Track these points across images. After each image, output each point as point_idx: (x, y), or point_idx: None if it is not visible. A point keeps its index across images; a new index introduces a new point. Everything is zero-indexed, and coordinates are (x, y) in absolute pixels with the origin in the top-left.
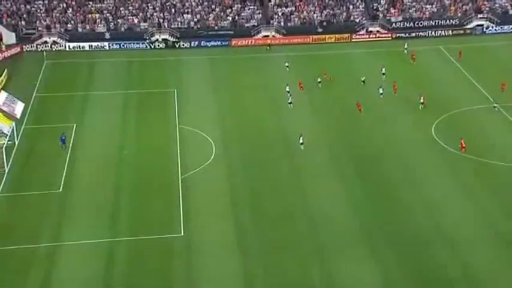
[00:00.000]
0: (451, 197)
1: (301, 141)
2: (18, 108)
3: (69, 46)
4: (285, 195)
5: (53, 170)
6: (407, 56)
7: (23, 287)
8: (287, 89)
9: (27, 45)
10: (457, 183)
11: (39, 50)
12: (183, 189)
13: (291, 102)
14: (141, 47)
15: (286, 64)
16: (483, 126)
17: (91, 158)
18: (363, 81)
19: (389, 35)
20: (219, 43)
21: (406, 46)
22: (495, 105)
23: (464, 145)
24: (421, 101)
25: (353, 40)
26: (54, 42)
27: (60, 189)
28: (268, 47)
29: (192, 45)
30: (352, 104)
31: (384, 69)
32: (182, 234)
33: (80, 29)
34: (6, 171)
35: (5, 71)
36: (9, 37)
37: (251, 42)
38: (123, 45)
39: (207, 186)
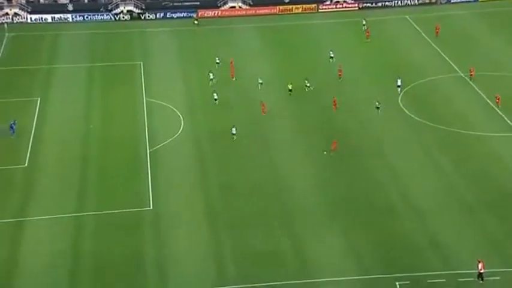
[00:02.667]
0: (417, 167)
1: (233, 131)
2: None
3: (31, 18)
4: (253, 168)
5: (18, 144)
6: (364, 32)
7: None
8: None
9: None
10: (423, 152)
11: (0, 22)
12: (151, 162)
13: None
14: (106, 19)
15: (217, 60)
16: (449, 96)
17: (57, 133)
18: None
19: (356, 5)
20: (185, 14)
21: (364, 23)
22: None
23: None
24: (398, 83)
25: (320, 11)
26: (16, 14)
27: (26, 164)
28: (195, 21)
29: (158, 16)
30: (318, 76)
31: (331, 53)
32: (151, 207)
33: (42, 0)
34: None
35: None
36: None
37: (218, 13)
38: (86, 17)
39: (175, 160)
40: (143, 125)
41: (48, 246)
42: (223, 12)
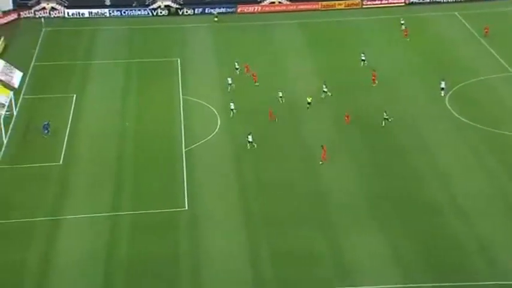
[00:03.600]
0: (464, 168)
1: (250, 139)
2: (16, 77)
3: (68, 13)
4: (291, 165)
5: (53, 141)
6: (402, 33)
7: (22, 262)
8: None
9: (25, 12)
10: (470, 153)
11: (37, 16)
12: (187, 161)
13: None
14: (143, 14)
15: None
16: (500, 97)
17: (92, 130)
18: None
19: (403, 0)
20: (224, 10)
21: (402, 21)
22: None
23: None
24: (442, 86)
25: (364, 6)
26: (53, 9)
27: (61, 162)
28: (216, 18)
29: (196, 12)
30: (362, 73)
31: (363, 55)
32: (186, 208)
33: None
34: (5, 143)
35: (2, 38)
36: (6, 3)
37: (258, 9)
38: (124, 12)
39: (211, 159)
40: (179, 123)
41: (82, 245)
42: (264, 8)
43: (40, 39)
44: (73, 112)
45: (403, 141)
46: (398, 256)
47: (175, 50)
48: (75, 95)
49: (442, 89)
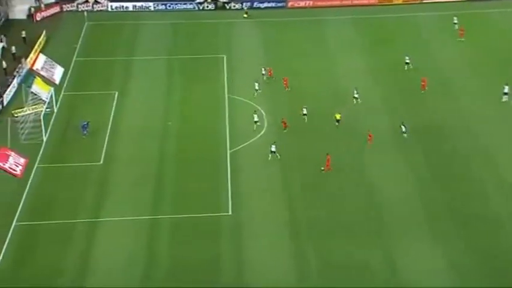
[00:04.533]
0: None
1: (273, 149)
2: (58, 73)
3: (111, 6)
4: (342, 171)
5: (94, 140)
6: (456, 32)
7: (61, 263)
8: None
9: (67, 5)
10: None
11: (79, 10)
12: (231, 164)
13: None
14: (189, 8)
15: (304, 112)
16: None
17: (133, 129)
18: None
19: None
20: (273, 4)
21: (455, 20)
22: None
23: None
24: (505, 91)
25: (424, 1)
26: (96, 2)
27: (101, 162)
28: (245, 14)
29: (244, 6)
30: (416, 77)
31: (408, 58)
32: (230, 213)
33: None
34: (45, 140)
35: (44, 32)
36: None
37: (310, 3)
38: (169, 6)
39: (257, 162)
40: (224, 123)
41: (121, 249)
42: (316, 3)
43: (82, 33)
44: (114, 110)
45: (462, 150)
46: (457, 271)
47: (222, 46)
48: (116, 92)
49: (506, 93)
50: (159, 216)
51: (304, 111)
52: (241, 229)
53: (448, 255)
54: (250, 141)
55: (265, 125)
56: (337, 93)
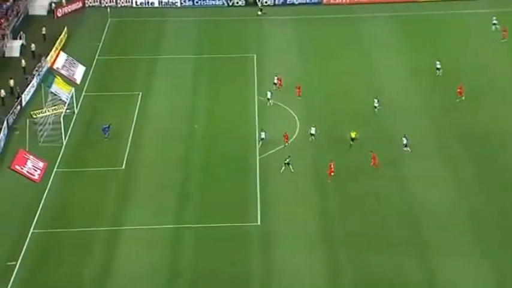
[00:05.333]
0: None
1: (287, 161)
2: (79, 72)
3: (136, 2)
4: (379, 178)
5: (116, 144)
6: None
7: (81, 273)
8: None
9: (90, 0)
10: None
11: (102, 5)
12: (261, 170)
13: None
14: (218, 4)
15: (312, 132)
16: None
17: (158, 132)
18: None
19: None
20: (308, 0)
21: (495, 21)
22: None
23: None
24: None
25: None
26: None
27: (123, 166)
28: (260, 11)
29: (277, 2)
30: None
31: (438, 63)
32: (259, 223)
33: None
34: (64, 143)
35: (65, 29)
36: None
37: (347, 0)
38: (196, 2)
39: (288, 171)
40: (253, 127)
41: (143, 259)
42: None
43: (105, 30)
44: (138, 112)
45: (508, 159)
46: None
47: (252, 44)
48: (140, 93)
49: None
50: (184, 225)
51: (312, 131)
52: (270, 240)
53: (496, 272)
54: (282, 146)
55: (298, 130)
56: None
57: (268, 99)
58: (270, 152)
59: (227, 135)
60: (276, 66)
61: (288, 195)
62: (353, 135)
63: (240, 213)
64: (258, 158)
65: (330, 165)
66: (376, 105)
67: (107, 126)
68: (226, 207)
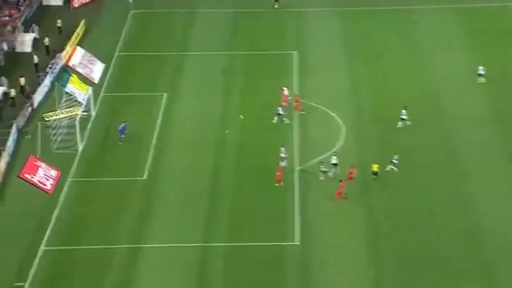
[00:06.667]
0: None
1: (323, 168)
2: (97, 70)
3: None
4: (435, 192)
5: (137, 151)
6: None
7: None
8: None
9: None
10: None
11: None
12: (300, 183)
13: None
14: None
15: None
16: None
17: (184, 138)
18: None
19: None
20: None
21: None
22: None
23: None
24: None
25: None
26: None
27: (145, 176)
28: (276, 6)
29: None
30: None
31: (481, 69)
32: (297, 242)
33: None
34: (80, 150)
35: (82, 21)
36: None
37: None
38: None
39: (332, 181)
40: (291, 133)
41: (167, 281)
42: None
43: (126, 23)
44: (162, 115)
45: None
46: None
47: (292, 40)
48: (165, 94)
49: None
50: (213, 244)
51: (334, 161)
52: (310, 262)
53: None
54: (324, 155)
55: (343, 136)
56: (430, 101)
57: (278, 114)
58: (311, 163)
59: (262, 142)
60: (319, 66)
61: (331, 211)
62: (375, 168)
63: (276, 231)
64: (296, 169)
65: (341, 185)
66: (404, 117)
67: (123, 125)
68: (260, 224)
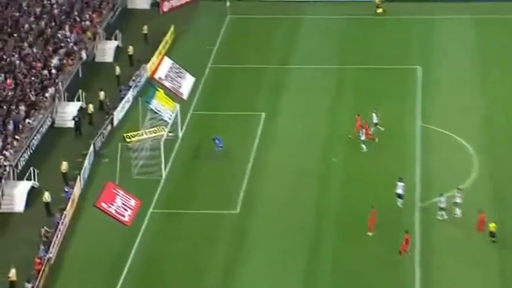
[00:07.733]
0: None
1: (442, 205)
2: (186, 84)
3: None
4: None
5: (229, 180)
6: None
7: None
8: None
9: None
10: None
11: None
12: (422, 224)
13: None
14: None
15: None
16: None
17: (284, 166)
18: None
19: None
20: None
21: None
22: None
23: None
24: None
25: None
26: None
27: (238, 210)
28: (379, 8)
29: None
30: None
31: None
32: None
33: None
34: (164, 176)
35: (171, 28)
36: None
37: None
38: None
39: (461, 223)
40: (413, 163)
41: None
42: None
43: (222, 30)
44: (259, 138)
45: None
46: None
47: (415, 53)
48: (263, 114)
49: None
50: None
51: (458, 199)
52: None
53: None
54: (452, 191)
55: (477, 167)
56: None
57: (359, 139)
58: (435, 199)
59: (377, 173)
60: (448, 84)
61: (461, 258)
62: (492, 227)
63: (394, 284)
64: (418, 206)
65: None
66: (376, 122)
67: (216, 137)
68: (374, 274)
